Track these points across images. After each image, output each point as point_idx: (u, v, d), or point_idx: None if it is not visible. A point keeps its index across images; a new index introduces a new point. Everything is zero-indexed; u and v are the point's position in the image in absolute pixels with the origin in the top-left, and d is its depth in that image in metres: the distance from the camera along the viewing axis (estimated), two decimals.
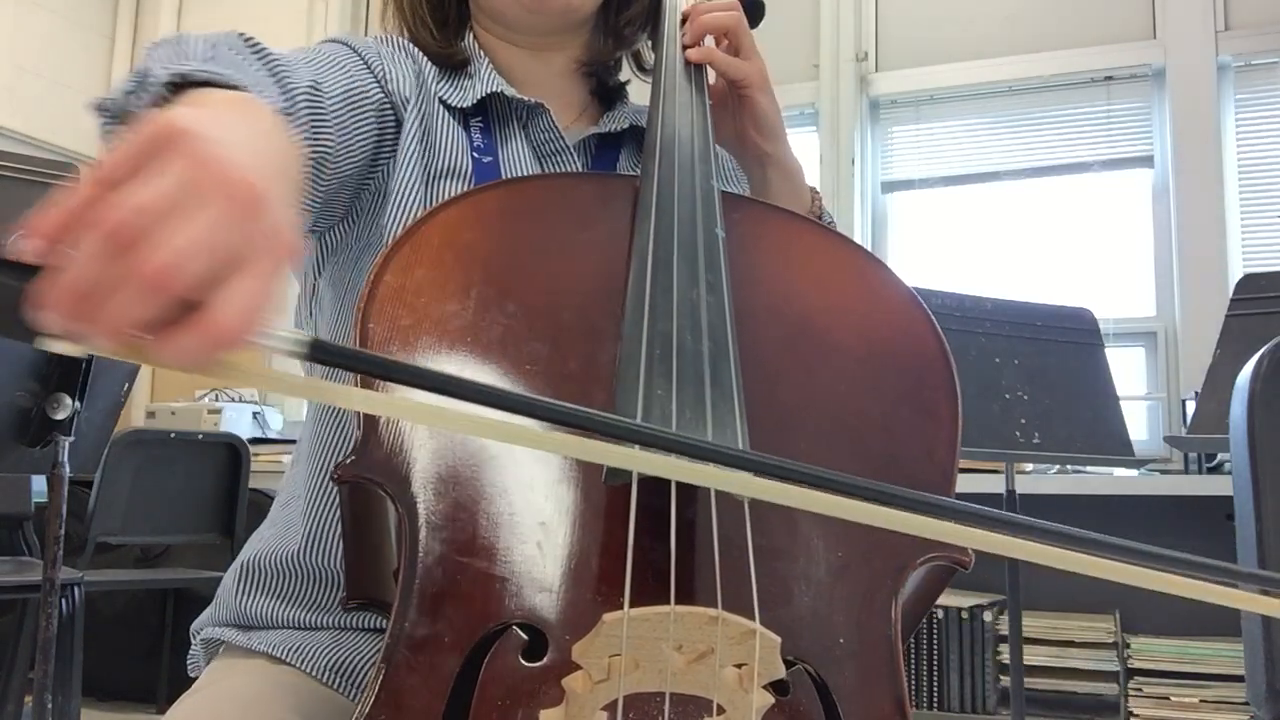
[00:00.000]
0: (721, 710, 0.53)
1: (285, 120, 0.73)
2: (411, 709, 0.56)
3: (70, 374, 1.97)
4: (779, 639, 0.52)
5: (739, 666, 0.53)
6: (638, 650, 0.51)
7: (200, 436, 3.22)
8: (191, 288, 0.42)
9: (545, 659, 0.57)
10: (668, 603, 0.53)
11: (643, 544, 0.58)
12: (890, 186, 3.76)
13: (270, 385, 0.46)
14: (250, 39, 0.81)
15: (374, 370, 0.48)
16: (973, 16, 3.66)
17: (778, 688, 0.57)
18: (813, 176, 3.73)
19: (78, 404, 1.98)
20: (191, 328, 0.42)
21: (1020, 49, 3.57)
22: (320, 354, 0.44)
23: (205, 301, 0.42)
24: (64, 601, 2.44)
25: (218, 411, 3.64)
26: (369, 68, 0.91)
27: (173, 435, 3.12)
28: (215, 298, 0.43)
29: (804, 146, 3.75)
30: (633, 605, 0.52)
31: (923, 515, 0.49)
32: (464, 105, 0.95)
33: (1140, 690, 2.80)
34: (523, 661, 0.57)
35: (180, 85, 0.64)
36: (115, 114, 0.67)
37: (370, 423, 0.63)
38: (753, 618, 0.54)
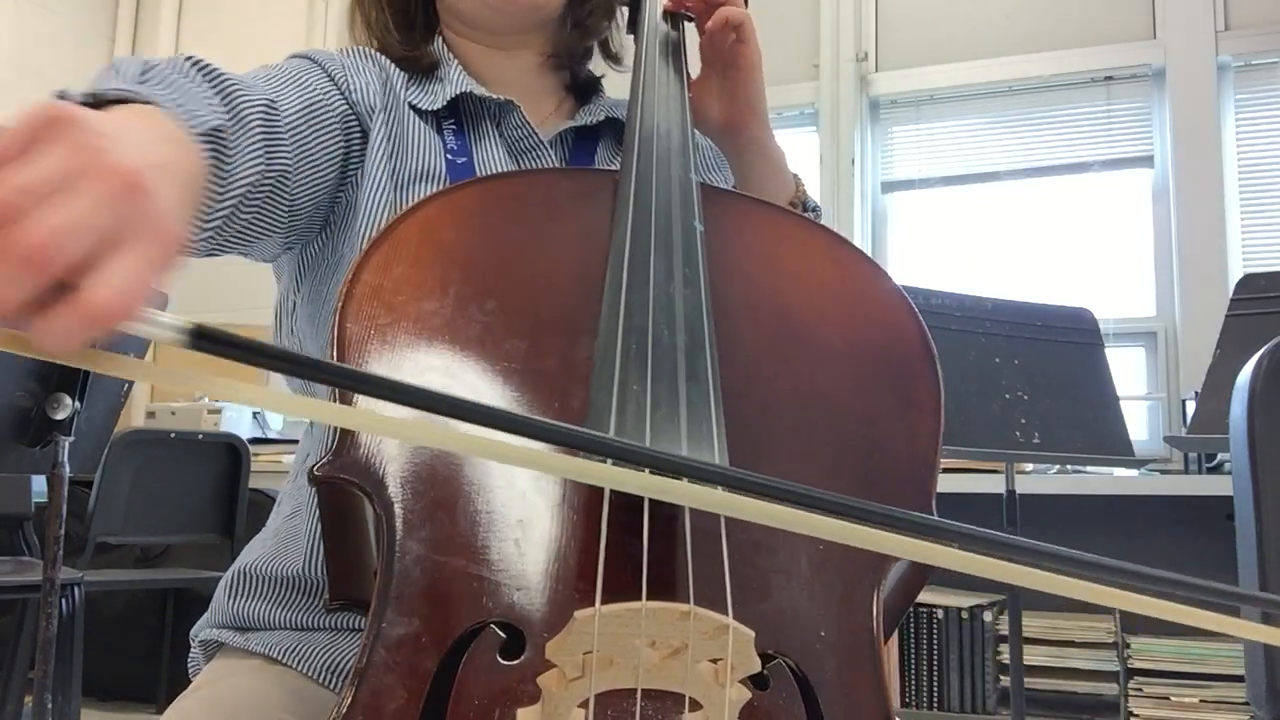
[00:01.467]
0: (698, 705, 0.53)
1: (224, 134, 0.74)
2: (389, 708, 0.55)
3: (70, 374, 1.97)
4: (752, 633, 0.52)
5: (715, 661, 0.53)
6: (611, 647, 0.51)
7: (200, 436, 3.22)
8: (69, 269, 0.42)
9: (523, 657, 0.57)
10: (639, 598, 0.53)
11: (619, 540, 0.57)
12: (890, 186, 3.76)
13: (157, 379, 0.45)
14: (199, 61, 0.80)
15: (272, 364, 0.44)
16: (973, 16, 3.65)
17: (757, 681, 0.57)
18: (813, 176, 3.74)
19: (78, 404, 1.98)
20: (66, 307, 0.42)
21: (1020, 49, 3.57)
22: (204, 342, 0.43)
23: (79, 285, 0.42)
24: (64, 601, 2.44)
25: (218, 411, 3.64)
26: (332, 80, 0.91)
27: (173, 435, 3.12)
28: (91, 277, 0.42)
29: (804, 146, 3.75)
30: (608, 601, 0.52)
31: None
32: (434, 108, 0.95)
33: (1140, 690, 2.80)
34: (500, 660, 0.57)
35: (96, 105, 0.63)
36: None
37: None
38: (726, 612, 0.54)
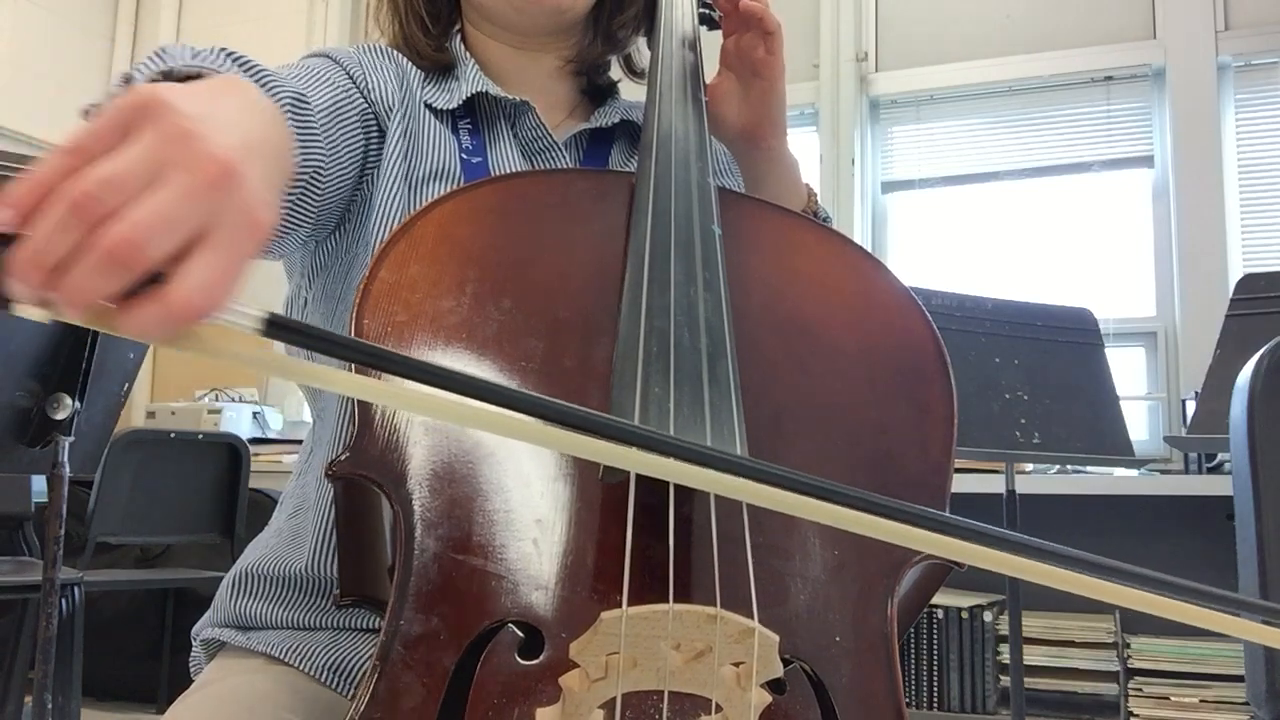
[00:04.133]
0: (719, 708, 0.53)
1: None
2: (407, 706, 0.56)
3: (70, 374, 1.97)
4: (777, 637, 0.52)
5: (736, 665, 0.52)
6: (636, 648, 0.51)
7: (200, 436, 3.21)
8: (155, 262, 0.42)
9: (541, 657, 0.57)
10: (664, 600, 0.53)
11: (639, 542, 0.57)
12: (890, 186, 3.76)
13: (243, 362, 0.45)
14: (233, 52, 0.80)
15: (333, 351, 0.44)
16: (973, 16, 3.66)
17: (774, 686, 0.57)
18: (813, 176, 3.74)
19: (78, 404, 1.97)
20: (153, 301, 0.42)
21: (1020, 49, 3.57)
22: (277, 330, 0.43)
23: (169, 275, 0.42)
24: (64, 601, 2.43)
25: (218, 411, 3.64)
26: (351, 79, 0.91)
27: (173, 435, 3.12)
28: (178, 272, 0.42)
29: (804, 146, 3.75)
30: (630, 603, 0.52)
31: (919, 528, 0.48)
32: (450, 107, 0.95)
33: (1140, 690, 2.80)
34: (519, 659, 0.57)
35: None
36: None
37: (365, 418, 0.63)
38: (751, 616, 0.54)
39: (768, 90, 0.93)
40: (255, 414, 3.79)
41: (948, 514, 0.50)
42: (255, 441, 3.45)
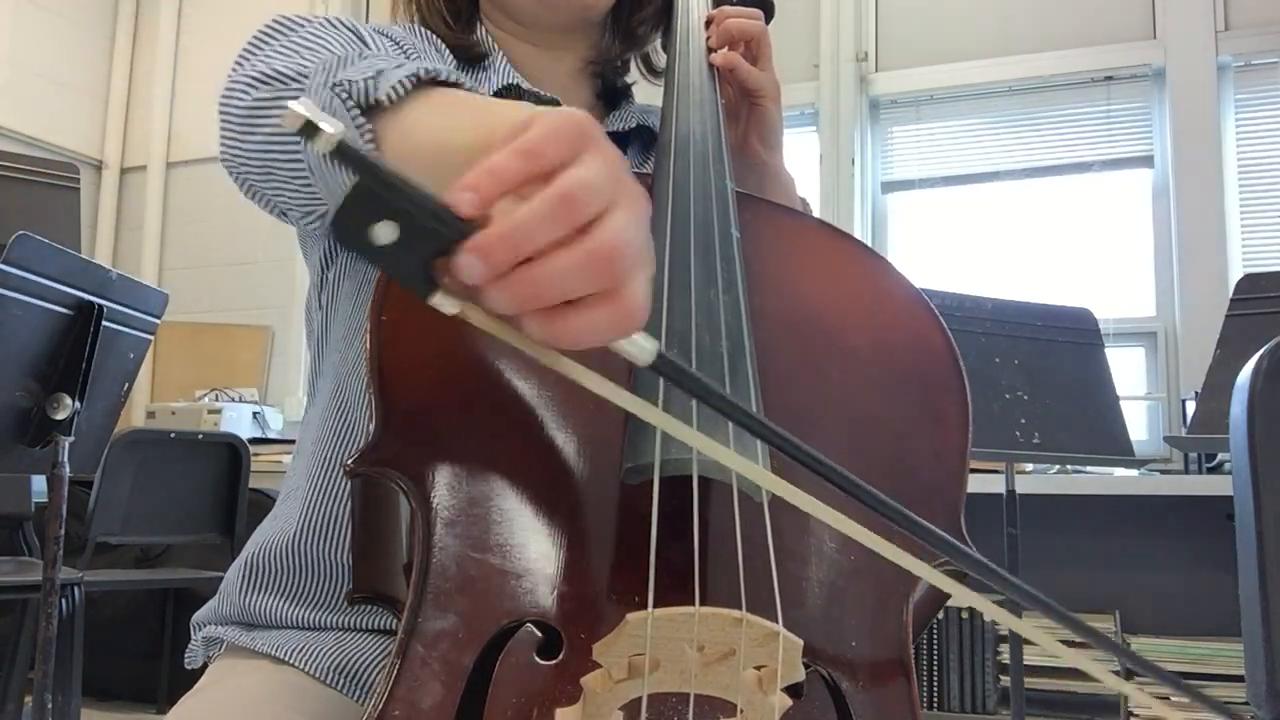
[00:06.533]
0: (740, 711, 0.53)
1: None
2: (425, 704, 0.55)
3: (70, 374, 1.97)
4: (801, 641, 0.52)
5: (759, 668, 0.52)
6: (660, 650, 0.51)
7: (200, 436, 3.21)
8: (621, 275, 0.44)
9: (560, 657, 0.57)
10: (684, 603, 0.53)
11: (661, 543, 0.57)
12: (890, 186, 3.76)
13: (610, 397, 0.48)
14: (351, 24, 0.83)
15: (709, 401, 0.47)
16: (973, 16, 3.66)
17: (793, 690, 0.57)
18: (813, 176, 3.74)
19: (78, 404, 1.97)
20: (607, 306, 0.45)
21: (1020, 49, 3.57)
22: (666, 365, 0.46)
23: (615, 289, 0.45)
24: (64, 601, 2.43)
25: (218, 411, 3.63)
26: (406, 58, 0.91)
27: (173, 435, 3.11)
28: (629, 284, 0.45)
29: (804, 146, 3.75)
30: (654, 605, 0.52)
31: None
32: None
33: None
34: (538, 659, 0.57)
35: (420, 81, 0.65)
36: (358, 101, 0.64)
37: (384, 416, 0.63)
38: (774, 619, 0.54)
39: (765, 111, 0.94)
40: (255, 414, 3.79)
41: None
42: (255, 441, 3.45)
